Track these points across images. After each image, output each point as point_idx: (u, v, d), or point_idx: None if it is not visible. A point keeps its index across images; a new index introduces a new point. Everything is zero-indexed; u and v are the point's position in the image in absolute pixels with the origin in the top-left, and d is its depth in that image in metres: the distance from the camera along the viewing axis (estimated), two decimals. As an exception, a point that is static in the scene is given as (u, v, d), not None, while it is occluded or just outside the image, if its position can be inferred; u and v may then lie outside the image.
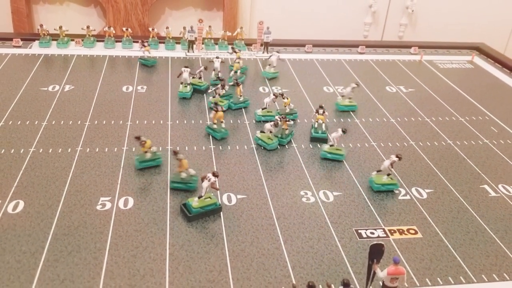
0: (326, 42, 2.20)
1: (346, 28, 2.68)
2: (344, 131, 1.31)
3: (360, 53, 2.14)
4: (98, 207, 1.09)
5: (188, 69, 1.62)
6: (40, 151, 1.27)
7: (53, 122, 1.41)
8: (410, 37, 2.79)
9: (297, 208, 1.14)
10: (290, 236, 1.05)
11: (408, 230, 1.09)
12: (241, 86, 1.58)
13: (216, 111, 1.38)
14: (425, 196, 1.21)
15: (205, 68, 1.66)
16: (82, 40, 1.96)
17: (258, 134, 1.38)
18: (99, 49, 1.95)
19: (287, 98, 1.51)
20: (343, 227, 1.09)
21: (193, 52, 1.96)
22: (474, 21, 2.77)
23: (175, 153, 1.17)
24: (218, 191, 1.16)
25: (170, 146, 1.33)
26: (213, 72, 1.70)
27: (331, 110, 1.60)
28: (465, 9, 2.75)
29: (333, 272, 0.96)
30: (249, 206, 1.13)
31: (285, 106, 1.52)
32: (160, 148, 1.32)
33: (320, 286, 0.92)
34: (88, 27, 1.96)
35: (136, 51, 1.94)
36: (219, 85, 1.53)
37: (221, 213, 1.10)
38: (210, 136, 1.39)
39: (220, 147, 1.35)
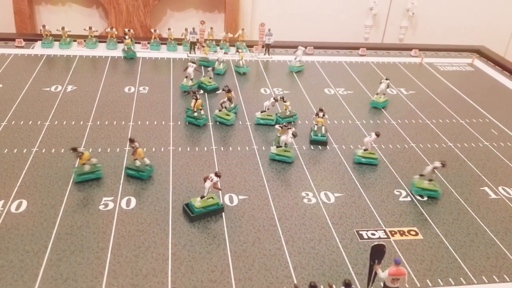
0: (327, 44, 2.21)
1: (347, 30, 2.69)
2: (377, 135, 1.32)
3: (361, 55, 2.15)
4: (101, 207, 1.09)
5: (194, 65, 1.66)
6: (43, 151, 1.27)
7: (56, 123, 1.41)
8: (410, 39, 2.79)
9: (298, 209, 1.14)
10: (292, 237, 1.05)
11: (408, 231, 1.10)
12: (232, 92, 1.50)
13: (196, 99, 1.42)
14: (425, 198, 1.22)
15: (213, 69, 1.69)
16: (84, 41, 1.97)
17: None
18: (101, 50, 1.95)
19: (287, 101, 1.52)
20: (344, 228, 1.09)
21: (194, 53, 1.96)
22: (475, 24, 2.77)
23: (131, 141, 1.20)
24: (220, 192, 1.16)
25: (172, 147, 1.34)
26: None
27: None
28: (466, 12, 2.76)
29: (334, 273, 0.97)
30: (251, 207, 1.13)
31: (286, 109, 1.52)
32: (162, 148, 1.32)
33: (322, 286, 0.93)
34: (90, 28, 1.97)
35: (136, 51, 1.95)
36: (225, 100, 1.50)
37: (223, 213, 1.10)
38: (212, 137, 1.40)
39: (222, 148, 1.36)
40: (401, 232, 1.10)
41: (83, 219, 1.05)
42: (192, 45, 1.95)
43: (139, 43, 2.01)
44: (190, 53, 1.96)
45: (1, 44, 1.95)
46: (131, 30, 1.99)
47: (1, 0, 2.30)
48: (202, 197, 1.09)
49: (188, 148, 1.34)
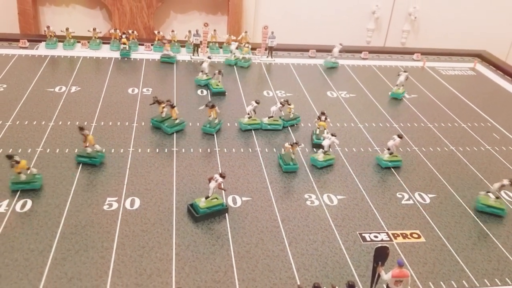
0: (329, 47, 2.21)
1: (349, 34, 2.70)
2: (400, 137, 1.34)
3: (363, 58, 2.16)
4: (105, 207, 1.10)
5: (209, 60, 1.74)
6: (48, 151, 1.28)
7: (60, 123, 1.42)
8: (412, 43, 2.80)
9: (301, 211, 1.15)
10: (295, 238, 1.06)
11: (411, 234, 1.10)
12: (216, 108, 1.44)
13: (173, 107, 1.42)
14: (428, 201, 1.23)
15: (219, 72, 1.70)
16: (88, 42, 1.98)
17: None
18: (105, 51, 1.96)
19: (291, 104, 1.53)
20: (347, 230, 1.10)
21: (198, 55, 1.97)
22: (477, 28, 2.78)
23: (81, 128, 1.23)
24: (224, 193, 1.17)
25: (175, 148, 1.35)
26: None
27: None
28: (468, 16, 2.77)
29: (337, 275, 0.97)
30: (254, 208, 1.14)
31: (289, 112, 1.53)
32: (166, 150, 1.33)
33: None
34: (94, 29, 1.98)
35: (140, 53, 1.96)
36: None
37: (227, 214, 1.11)
38: (215, 139, 1.41)
39: (225, 149, 1.36)
40: (404, 234, 1.10)
41: (88, 219, 1.06)
42: (196, 47, 1.95)
43: (143, 44, 2.01)
44: (193, 55, 1.97)
45: (6, 45, 1.95)
46: (135, 32, 2.01)
47: (5, 0, 2.32)
48: (206, 198, 1.09)
49: (192, 150, 1.35)
